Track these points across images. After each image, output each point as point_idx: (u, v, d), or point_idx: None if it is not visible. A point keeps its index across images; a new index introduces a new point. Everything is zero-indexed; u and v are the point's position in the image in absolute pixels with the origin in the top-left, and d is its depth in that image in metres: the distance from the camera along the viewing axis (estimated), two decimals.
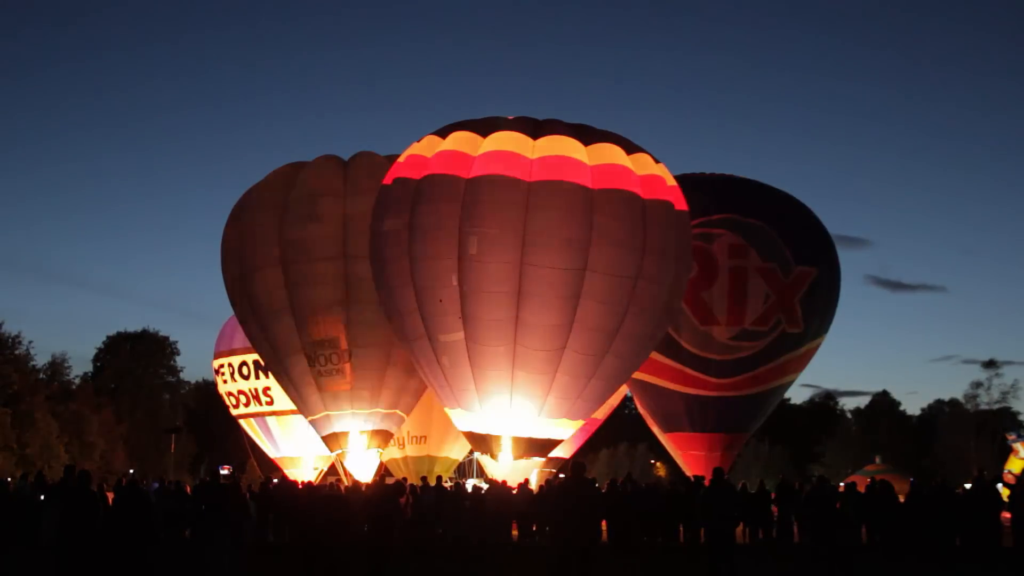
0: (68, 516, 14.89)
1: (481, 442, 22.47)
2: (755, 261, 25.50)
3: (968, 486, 23.95)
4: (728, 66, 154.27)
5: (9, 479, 29.51)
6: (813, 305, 26.09)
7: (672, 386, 26.16)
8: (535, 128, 21.05)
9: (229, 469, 45.23)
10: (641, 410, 29.79)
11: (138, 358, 60.21)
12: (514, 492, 22.01)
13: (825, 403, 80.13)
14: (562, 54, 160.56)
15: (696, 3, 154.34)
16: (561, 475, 36.22)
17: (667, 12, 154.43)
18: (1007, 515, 19.62)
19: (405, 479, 25.81)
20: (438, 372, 21.56)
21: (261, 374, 30.35)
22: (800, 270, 25.79)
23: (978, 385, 55.45)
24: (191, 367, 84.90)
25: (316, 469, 30.93)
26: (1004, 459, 36.76)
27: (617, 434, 63.15)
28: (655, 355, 24.05)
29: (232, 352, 32.20)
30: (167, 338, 61.89)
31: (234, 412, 33.44)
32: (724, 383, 25.81)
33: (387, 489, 14.56)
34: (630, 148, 21.52)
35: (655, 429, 28.73)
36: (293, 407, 27.34)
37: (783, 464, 59.86)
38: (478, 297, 20.21)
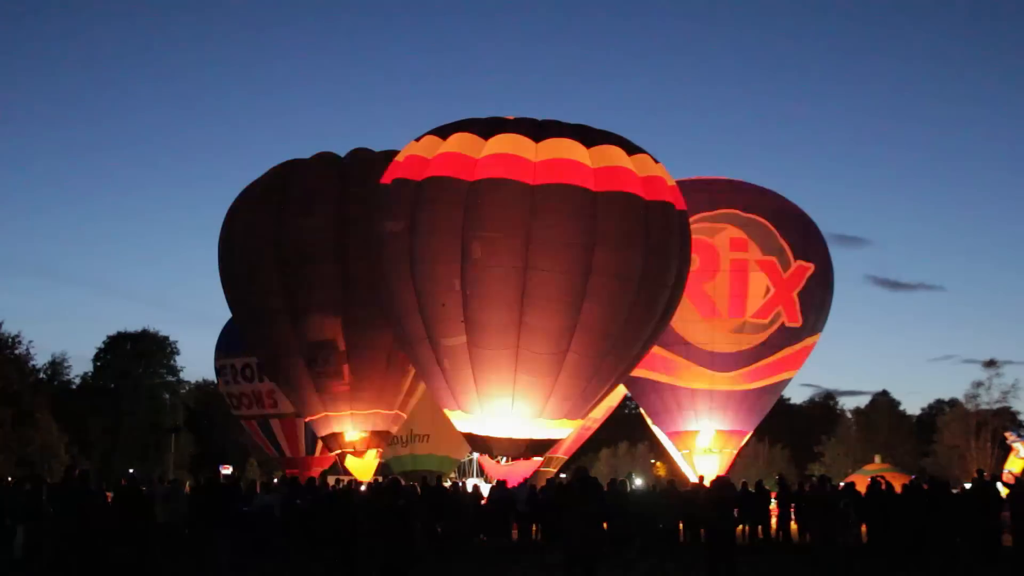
0: (68, 516, 14.92)
1: (481, 443, 22.47)
2: (755, 254, 26.09)
3: (968, 486, 23.96)
4: (728, 67, 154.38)
5: (10, 478, 29.50)
6: (810, 300, 26.56)
7: (674, 381, 26.31)
8: (537, 130, 21.00)
9: (230, 469, 45.27)
10: (642, 409, 29.85)
11: (138, 358, 60.20)
12: (514, 492, 22.04)
13: (825, 403, 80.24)
14: (562, 52, 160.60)
15: (696, 4, 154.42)
16: (563, 475, 36.30)
17: (667, 13, 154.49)
18: (1007, 515, 19.62)
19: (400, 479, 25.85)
20: (439, 375, 21.53)
21: (265, 376, 30.31)
22: (798, 265, 26.35)
23: (978, 385, 55.41)
24: (191, 367, 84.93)
25: (316, 470, 30.95)
26: (1004, 459, 36.79)
27: (617, 434, 63.22)
28: (656, 349, 24.12)
29: (235, 354, 32.15)
30: (167, 338, 61.93)
31: (235, 413, 33.44)
32: (725, 377, 26.05)
33: (396, 489, 14.54)
34: (631, 149, 21.53)
35: (655, 428, 28.77)
36: (297, 411, 27.32)
37: (783, 464, 59.93)
38: (481, 301, 20.15)
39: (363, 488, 21.37)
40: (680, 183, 23.11)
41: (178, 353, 62.23)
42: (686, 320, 25.07)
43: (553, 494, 21.03)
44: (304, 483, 21.69)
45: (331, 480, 32.72)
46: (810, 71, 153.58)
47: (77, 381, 58.95)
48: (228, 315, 29.62)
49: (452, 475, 35.69)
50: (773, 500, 23.07)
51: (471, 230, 20.02)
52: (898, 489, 20.93)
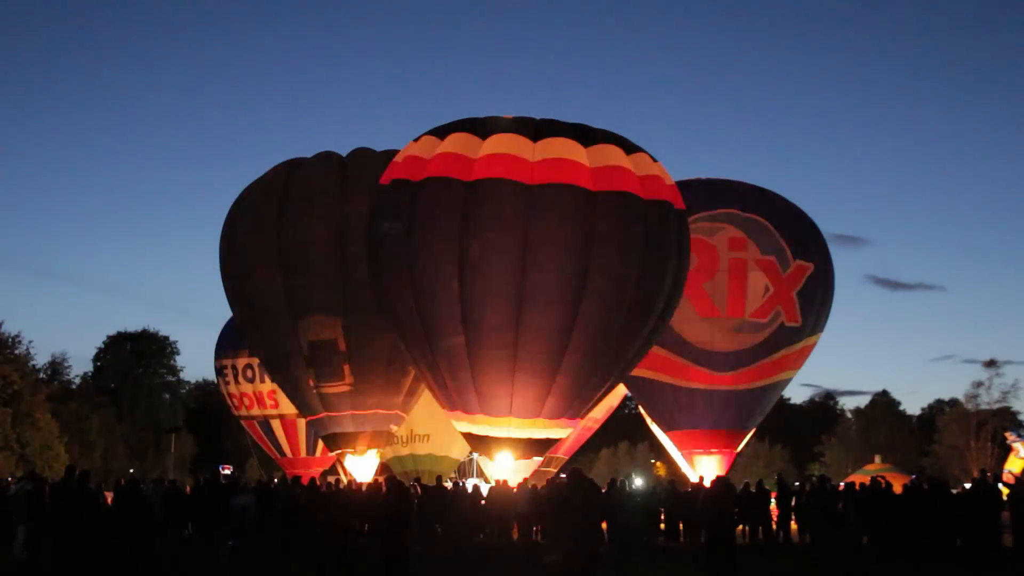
0: (67, 515, 14.93)
1: (480, 443, 22.48)
2: (755, 254, 26.11)
3: (968, 486, 23.98)
4: (727, 67, 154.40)
5: (10, 478, 29.49)
6: (810, 300, 26.56)
7: (674, 381, 26.31)
8: (535, 130, 21.00)
9: (230, 469, 45.27)
10: (641, 409, 29.85)
11: (138, 358, 60.25)
12: (514, 492, 22.02)
13: (825, 403, 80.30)
14: (562, 52, 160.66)
15: (695, 5, 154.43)
16: (563, 475, 36.26)
17: (666, 14, 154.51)
18: (1007, 515, 19.63)
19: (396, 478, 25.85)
20: (437, 375, 21.55)
21: (266, 377, 30.32)
22: (798, 264, 26.36)
23: (978, 385, 55.39)
24: (191, 367, 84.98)
25: (317, 470, 30.97)
26: (1004, 459, 36.83)
27: (617, 434, 63.21)
28: (656, 349, 24.14)
29: (236, 354, 32.15)
30: (167, 338, 62.02)
31: (236, 413, 33.45)
32: (725, 376, 26.03)
33: (398, 486, 14.54)
34: (629, 148, 21.52)
35: (655, 428, 28.77)
36: (298, 412, 27.32)
37: (783, 464, 59.97)
38: (479, 301, 20.17)
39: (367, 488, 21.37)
40: (680, 183, 23.13)
41: (178, 353, 62.38)
42: (685, 319, 25.09)
43: (553, 494, 21.03)
44: (290, 482, 21.78)
45: (331, 479, 32.76)
46: (810, 71, 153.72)
47: (77, 381, 58.98)
48: (228, 315, 29.64)
49: (452, 475, 35.69)
50: (773, 500, 23.08)
51: (469, 230, 20.02)
52: (898, 489, 20.94)
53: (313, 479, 24.74)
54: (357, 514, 14.89)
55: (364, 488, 20.99)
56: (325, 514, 15.47)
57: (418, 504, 21.02)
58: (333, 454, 27.05)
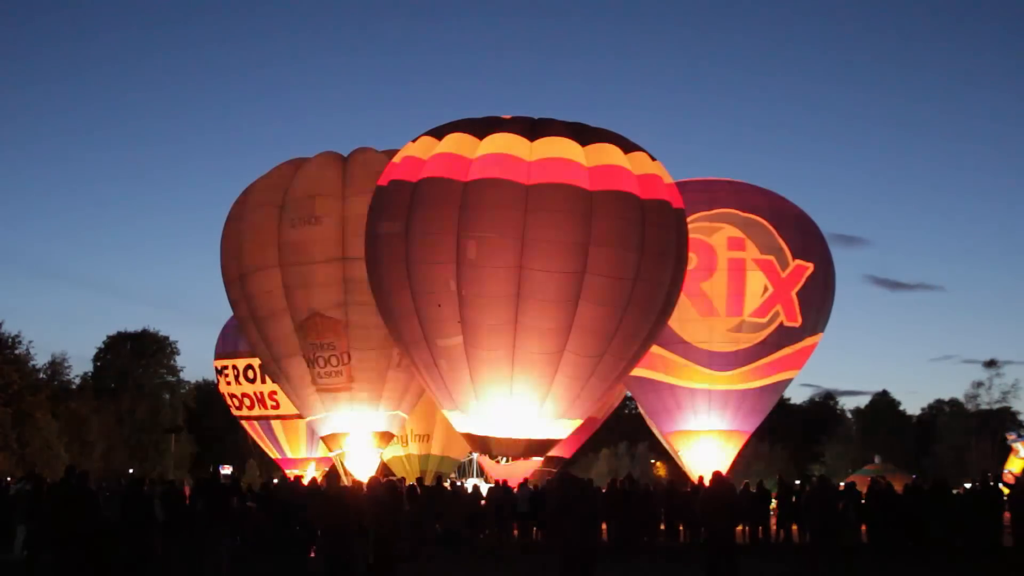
0: (66, 515, 14.93)
1: (480, 443, 22.48)
2: (754, 253, 26.10)
3: (968, 486, 24.02)
4: (726, 68, 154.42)
5: (9, 478, 29.49)
6: (810, 300, 26.53)
7: (674, 381, 26.31)
8: (532, 129, 20.97)
9: (230, 469, 45.30)
10: (641, 409, 29.86)
11: (138, 358, 60.21)
12: (514, 492, 22.04)
13: (825, 403, 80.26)
14: (561, 51, 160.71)
15: (693, 5, 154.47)
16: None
17: (666, 12, 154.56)
18: (1008, 515, 19.65)
19: (403, 479, 25.89)
20: (436, 375, 21.55)
21: (267, 377, 30.30)
22: (797, 264, 26.36)
23: (978, 385, 55.50)
24: (191, 367, 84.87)
25: (318, 470, 30.97)
26: (1004, 459, 36.89)
27: (617, 434, 63.22)
28: (656, 349, 24.15)
29: (236, 355, 32.12)
30: (167, 338, 61.94)
31: (236, 413, 33.45)
32: (724, 376, 26.05)
33: (387, 487, 14.57)
34: (627, 147, 21.48)
35: (655, 428, 28.78)
36: (298, 412, 27.31)
37: (783, 464, 60.00)
38: (477, 302, 20.15)
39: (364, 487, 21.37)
40: (678, 183, 23.11)
41: (178, 353, 62.29)
42: (684, 319, 25.09)
43: (553, 495, 21.06)
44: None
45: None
46: (810, 72, 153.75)
47: (77, 381, 58.99)
48: (228, 315, 29.61)
49: (452, 475, 35.70)
50: (773, 500, 23.10)
51: (466, 231, 20.01)
52: (898, 489, 20.97)
53: (313, 479, 24.77)
54: (355, 514, 14.91)
55: (363, 489, 21.09)
56: (325, 514, 15.48)
57: (418, 504, 21.03)
58: (333, 454, 27.06)
